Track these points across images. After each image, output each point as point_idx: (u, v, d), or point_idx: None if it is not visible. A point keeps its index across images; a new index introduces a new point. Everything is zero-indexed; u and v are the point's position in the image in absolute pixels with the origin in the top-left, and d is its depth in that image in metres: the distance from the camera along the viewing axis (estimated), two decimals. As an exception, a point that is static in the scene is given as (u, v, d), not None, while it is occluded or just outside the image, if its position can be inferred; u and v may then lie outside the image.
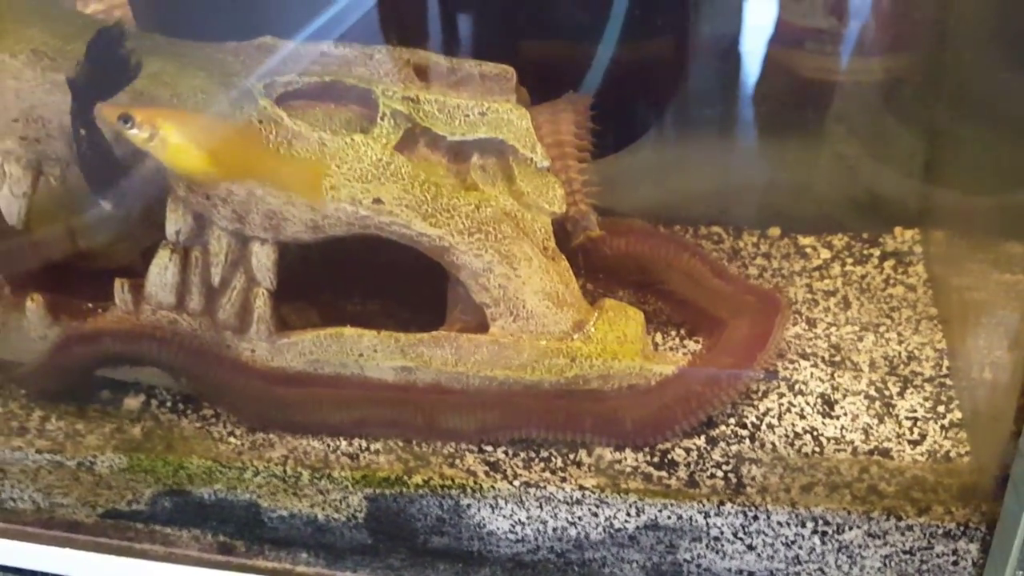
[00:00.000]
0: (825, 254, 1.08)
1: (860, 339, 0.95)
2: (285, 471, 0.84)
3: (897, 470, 0.80)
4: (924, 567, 0.78)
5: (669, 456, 0.84)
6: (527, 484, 0.81)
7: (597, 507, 0.80)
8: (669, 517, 0.79)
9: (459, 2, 1.06)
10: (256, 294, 0.87)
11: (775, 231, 1.13)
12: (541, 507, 0.81)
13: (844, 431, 0.85)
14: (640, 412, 0.84)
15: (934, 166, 1.07)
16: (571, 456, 0.84)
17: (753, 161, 1.16)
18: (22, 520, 0.92)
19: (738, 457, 0.83)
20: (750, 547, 0.80)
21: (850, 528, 0.77)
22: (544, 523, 0.82)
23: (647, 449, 0.84)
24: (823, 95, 1.09)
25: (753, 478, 0.81)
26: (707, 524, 0.79)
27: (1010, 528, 0.73)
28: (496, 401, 0.85)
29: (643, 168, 1.14)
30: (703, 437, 0.85)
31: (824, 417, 0.86)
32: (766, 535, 0.79)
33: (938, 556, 0.77)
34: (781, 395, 0.89)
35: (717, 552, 0.80)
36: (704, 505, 0.78)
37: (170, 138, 0.78)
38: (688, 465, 0.83)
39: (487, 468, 0.84)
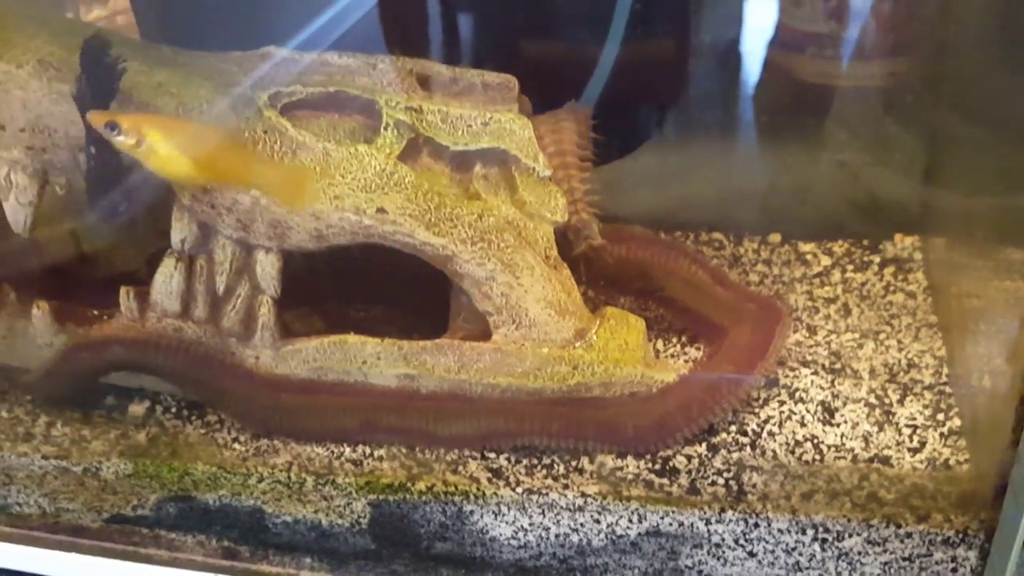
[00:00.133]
0: (825, 261, 1.09)
1: (860, 346, 0.96)
2: (289, 477, 0.85)
3: (897, 478, 0.81)
4: (923, 574, 0.79)
5: (671, 463, 0.84)
6: (530, 491, 0.82)
7: (599, 514, 0.81)
8: (671, 524, 0.80)
9: (459, 8, 1.06)
10: (260, 302, 0.87)
11: (776, 237, 1.13)
12: (543, 514, 0.82)
13: (844, 439, 0.85)
14: (642, 419, 0.85)
15: (935, 172, 1.07)
16: (573, 463, 0.85)
17: (753, 166, 1.17)
18: (28, 525, 0.92)
19: (739, 464, 0.83)
20: (751, 554, 0.80)
21: (850, 535, 0.78)
22: (547, 529, 0.83)
23: (649, 456, 0.85)
24: (824, 100, 1.09)
25: (754, 485, 0.81)
26: (708, 531, 0.80)
27: (1009, 535, 0.73)
28: (499, 408, 0.86)
29: (644, 174, 1.15)
30: (704, 444, 0.86)
31: (824, 425, 0.87)
32: (767, 542, 0.79)
33: (937, 563, 0.78)
34: (782, 403, 0.90)
35: (718, 559, 0.81)
36: (705, 512, 0.79)
37: (156, 144, 0.78)
38: (689, 472, 0.83)
39: (490, 475, 0.84)
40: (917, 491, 0.80)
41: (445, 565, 0.86)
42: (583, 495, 0.81)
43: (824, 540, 0.78)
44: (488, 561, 0.85)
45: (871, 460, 0.83)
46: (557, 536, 0.83)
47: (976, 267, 0.92)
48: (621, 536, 0.81)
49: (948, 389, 0.90)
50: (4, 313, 0.93)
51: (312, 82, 0.85)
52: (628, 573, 0.83)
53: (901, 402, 0.89)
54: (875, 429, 0.86)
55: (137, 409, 0.94)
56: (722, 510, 0.79)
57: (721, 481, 0.82)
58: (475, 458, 0.86)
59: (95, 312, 0.93)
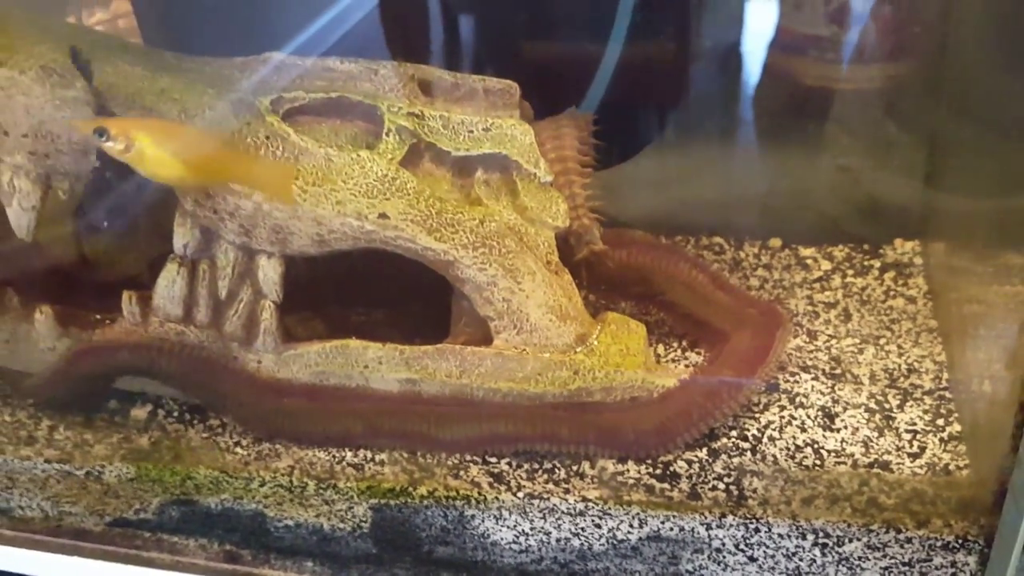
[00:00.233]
0: (826, 265, 1.09)
1: (860, 351, 0.96)
2: (291, 481, 0.85)
3: (897, 483, 0.81)
4: (923, 579, 0.79)
5: (671, 468, 0.85)
6: (531, 495, 0.82)
7: (600, 518, 0.81)
8: (671, 529, 0.80)
9: (460, 11, 1.06)
10: (263, 306, 0.87)
11: (776, 242, 1.13)
12: (544, 518, 0.82)
13: (844, 444, 0.85)
14: (642, 424, 0.85)
15: (935, 176, 1.07)
16: (574, 468, 0.85)
17: (754, 170, 1.17)
18: (31, 528, 0.93)
19: (740, 469, 0.84)
20: (751, 559, 0.80)
21: (850, 540, 0.78)
22: (548, 534, 0.83)
23: (649, 461, 0.85)
24: (824, 103, 1.10)
25: (754, 490, 0.81)
26: (709, 536, 0.80)
27: (1008, 540, 0.74)
28: (500, 413, 0.86)
29: (645, 178, 1.15)
30: (705, 449, 0.86)
31: (825, 430, 0.87)
32: (767, 547, 0.79)
33: (937, 568, 0.78)
34: (782, 408, 0.90)
35: (719, 563, 0.81)
36: (706, 517, 0.79)
37: (145, 148, 0.78)
38: (690, 477, 0.83)
39: (491, 479, 0.84)
40: (917, 496, 0.80)
41: (446, 569, 0.86)
42: (584, 500, 0.81)
43: (824, 545, 0.78)
44: (489, 565, 0.85)
45: (871, 465, 0.83)
46: (558, 540, 0.83)
47: (976, 272, 0.93)
48: (622, 541, 0.81)
49: (948, 394, 0.90)
50: (7, 317, 0.93)
51: (314, 88, 0.85)
52: (629, 577, 0.83)
53: (901, 407, 0.89)
54: (875, 434, 0.86)
55: (139, 413, 0.94)
56: (723, 515, 0.79)
57: (722, 486, 0.82)
58: (476, 462, 0.86)
59: (98, 316, 0.93)
